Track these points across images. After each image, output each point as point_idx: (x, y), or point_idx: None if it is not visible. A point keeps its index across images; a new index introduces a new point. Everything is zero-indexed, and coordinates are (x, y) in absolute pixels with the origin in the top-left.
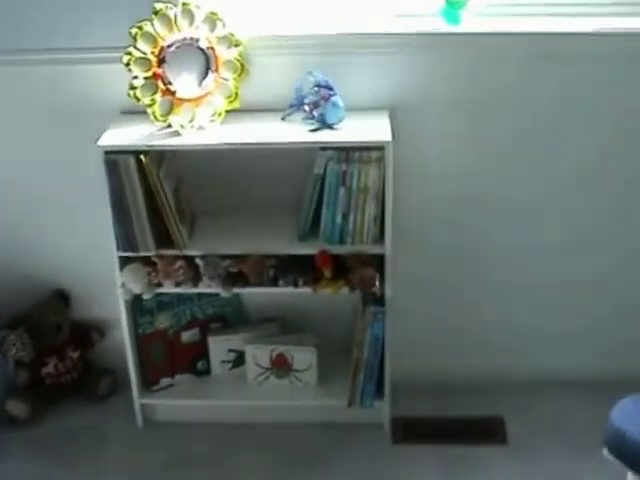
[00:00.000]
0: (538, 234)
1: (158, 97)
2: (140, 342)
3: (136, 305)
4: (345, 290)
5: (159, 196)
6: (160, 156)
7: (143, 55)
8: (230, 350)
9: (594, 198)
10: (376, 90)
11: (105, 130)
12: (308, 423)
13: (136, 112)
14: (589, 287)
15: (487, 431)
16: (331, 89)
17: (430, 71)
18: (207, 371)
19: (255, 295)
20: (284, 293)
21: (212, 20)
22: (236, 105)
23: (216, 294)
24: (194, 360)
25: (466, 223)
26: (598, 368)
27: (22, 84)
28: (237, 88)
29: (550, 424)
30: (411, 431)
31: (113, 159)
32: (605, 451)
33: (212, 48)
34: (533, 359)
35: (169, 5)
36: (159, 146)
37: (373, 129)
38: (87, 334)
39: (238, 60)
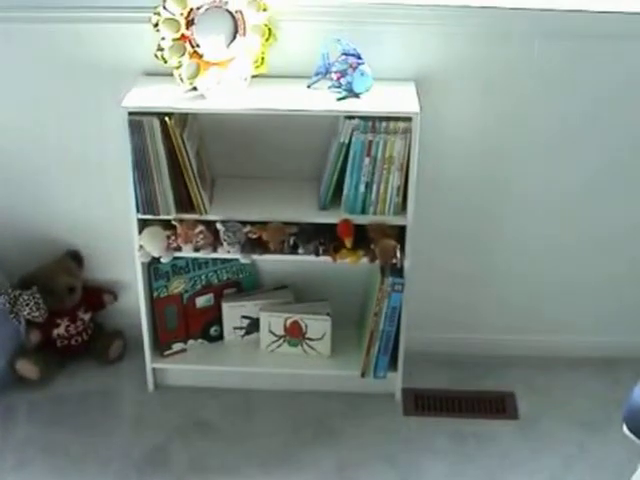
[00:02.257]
0: (554, 222)
1: (185, 59)
2: (154, 306)
3: (151, 269)
4: (364, 260)
5: (182, 159)
6: (183, 119)
7: (172, 16)
8: (243, 317)
9: (619, 193)
10: (402, 61)
11: (128, 91)
12: (319, 392)
13: (159, 74)
14: (604, 267)
15: (498, 406)
16: (359, 57)
17: (457, 43)
18: (220, 337)
19: (270, 262)
20: (299, 261)
21: None
22: (263, 70)
23: (231, 260)
24: (207, 326)
25: (489, 196)
26: (608, 346)
27: (45, 41)
28: (264, 53)
29: (561, 400)
30: (422, 403)
31: (137, 120)
32: (625, 428)
33: (240, 12)
34: (545, 336)
35: None
36: (185, 109)
37: (400, 100)
38: (99, 296)
39: (266, 25)
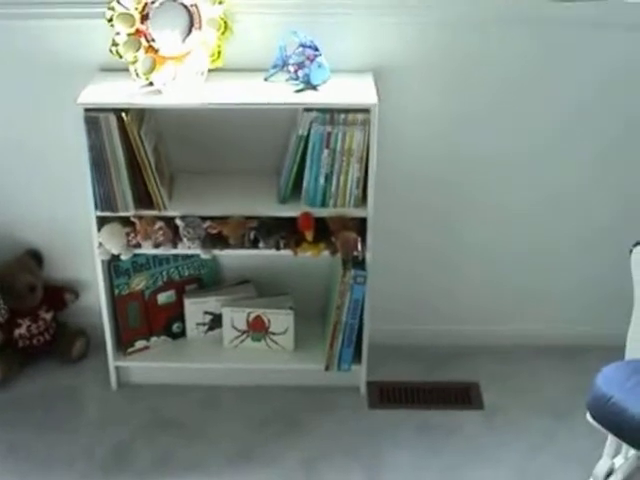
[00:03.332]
0: (520, 196)
1: (141, 54)
2: (116, 303)
3: (112, 266)
4: (325, 253)
5: (140, 155)
6: (141, 114)
7: (126, 11)
8: (206, 312)
9: (574, 159)
10: (359, 52)
11: (84, 87)
12: (284, 386)
13: (115, 69)
14: (564, 255)
15: (463, 396)
16: (316, 49)
17: (414, 34)
18: (183, 333)
19: (231, 257)
20: (260, 255)
21: None
22: (219, 64)
23: (192, 255)
24: (170, 322)
25: (448, 185)
26: (570, 334)
27: None
28: (220, 47)
29: (526, 389)
30: (387, 395)
31: (93, 117)
32: (588, 416)
33: (195, 5)
34: (509, 325)
35: None
36: (141, 104)
37: (358, 91)
38: (60, 295)
39: (222, 18)
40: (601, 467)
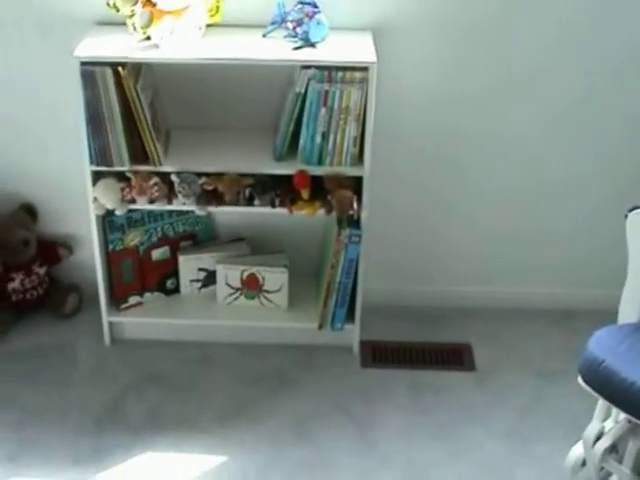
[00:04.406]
0: (512, 172)
1: (138, 8)
2: (110, 259)
3: (106, 221)
4: (320, 212)
5: (136, 109)
6: (137, 69)
7: None
8: (200, 269)
9: (578, 141)
10: (359, 10)
11: (80, 41)
12: (277, 344)
13: (111, 23)
14: (558, 225)
15: (455, 357)
16: (316, 6)
17: None
18: (176, 290)
19: (225, 214)
20: (255, 213)
21: None
22: (218, 19)
23: (187, 212)
24: (164, 278)
25: (442, 152)
26: (565, 298)
27: None
28: (219, 2)
29: (518, 351)
30: (380, 355)
31: (90, 70)
32: (580, 379)
33: None
34: (502, 287)
35: None
36: (138, 58)
37: (357, 49)
38: (54, 250)
39: None
40: (591, 430)
